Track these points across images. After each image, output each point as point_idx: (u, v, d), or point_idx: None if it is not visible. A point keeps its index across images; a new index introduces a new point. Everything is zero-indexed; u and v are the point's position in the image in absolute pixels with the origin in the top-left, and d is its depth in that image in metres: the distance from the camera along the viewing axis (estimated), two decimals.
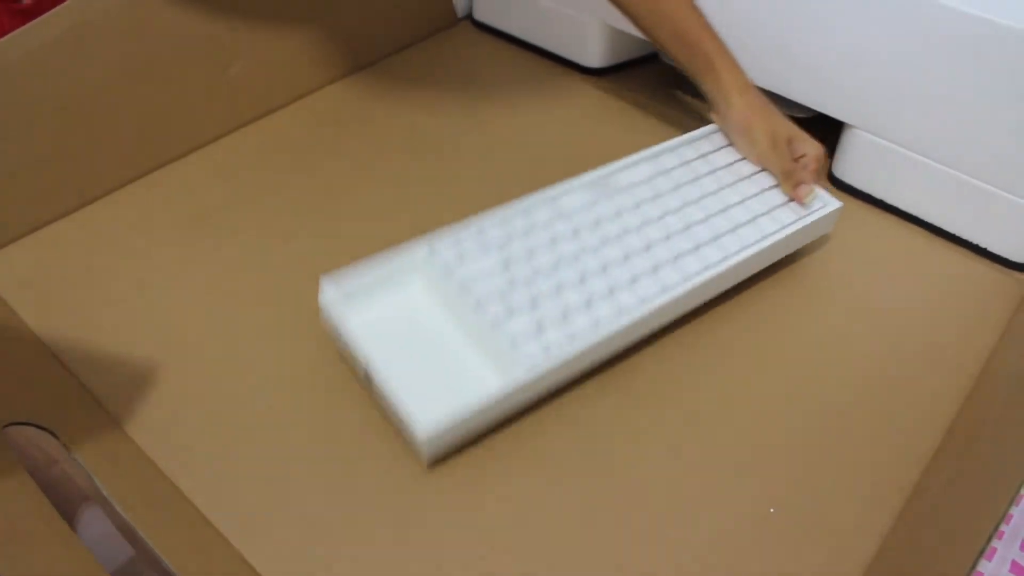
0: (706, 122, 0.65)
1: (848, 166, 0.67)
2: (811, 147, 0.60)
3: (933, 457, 0.49)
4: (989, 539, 0.37)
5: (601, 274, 0.52)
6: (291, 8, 0.73)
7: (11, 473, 0.43)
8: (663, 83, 0.80)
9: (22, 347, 0.54)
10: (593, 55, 0.80)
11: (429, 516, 0.46)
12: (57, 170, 0.62)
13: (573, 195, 0.57)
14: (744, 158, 0.62)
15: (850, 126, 0.65)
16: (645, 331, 0.53)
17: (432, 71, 0.81)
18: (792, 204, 0.59)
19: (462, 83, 0.79)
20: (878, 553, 0.44)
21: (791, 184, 0.60)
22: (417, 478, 0.47)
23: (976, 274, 0.61)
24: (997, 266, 0.62)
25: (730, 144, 0.63)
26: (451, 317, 0.51)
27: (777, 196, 0.60)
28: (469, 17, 0.90)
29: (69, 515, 0.43)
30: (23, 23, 0.58)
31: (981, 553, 0.36)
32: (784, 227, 0.57)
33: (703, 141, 0.64)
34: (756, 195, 0.59)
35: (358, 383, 0.51)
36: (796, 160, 0.60)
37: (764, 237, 0.56)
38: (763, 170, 0.61)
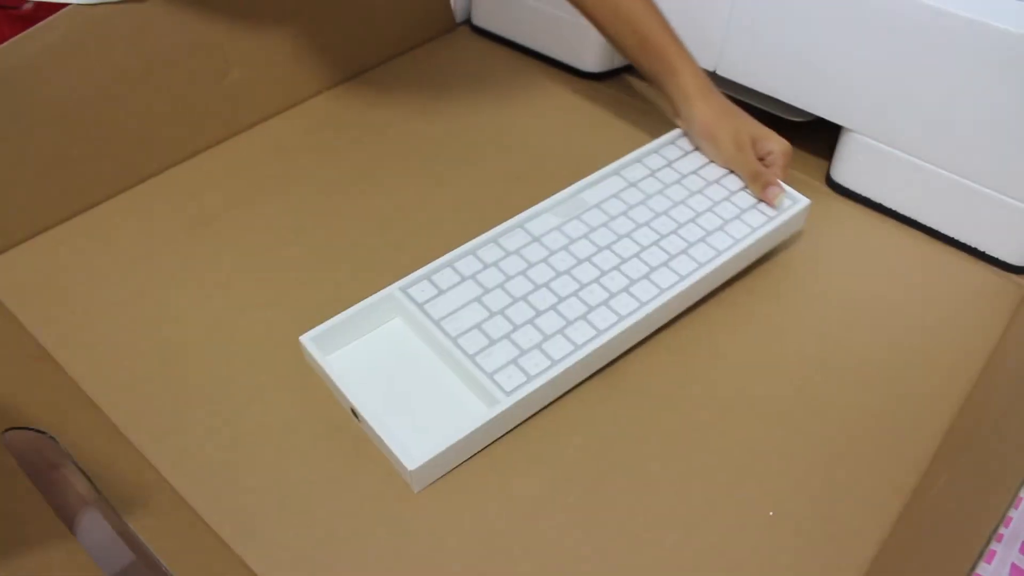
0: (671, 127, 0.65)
1: (846, 170, 0.67)
2: (776, 144, 0.61)
3: (931, 460, 0.49)
4: (988, 541, 0.37)
5: (576, 295, 0.53)
6: (289, 14, 0.73)
7: (11, 477, 0.43)
8: None
9: (22, 352, 0.54)
10: (591, 59, 0.80)
11: (429, 516, 0.46)
12: (57, 176, 0.62)
13: (543, 218, 0.58)
14: (711, 162, 0.63)
15: (848, 130, 0.65)
16: (626, 345, 0.54)
17: (430, 76, 0.81)
18: (761, 205, 0.60)
19: (460, 88, 0.80)
20: (877, 556, 0.44)
21: (759, 186, 0.60)
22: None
23: (974, 277, 0.61)
24: (995, 269, 0.62)
25: (696, 148, 0.64)
26: (432, 351, 0.52)
27: (746, 199, 0.60)
28: (467, 22, 0.90)
29: (69, 520, 0.43)
30: (23, 29, 0.58)
31: (980, 555, 0.36)
32: (755, 230, 0.58)
33: (669, 147, 0.64)
34: (725, 199, 0.60)
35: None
36: (762, 159, 0.61)
37: (736, 242, 0.57)
38: (730, 172, 0.62)
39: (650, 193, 0.60)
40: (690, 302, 0.56)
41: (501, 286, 0.53)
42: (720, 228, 0.58)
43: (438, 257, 0.55)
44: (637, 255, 0.55)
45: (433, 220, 0.60)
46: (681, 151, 0.64)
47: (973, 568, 0.36)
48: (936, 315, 0.58)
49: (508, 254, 0.55)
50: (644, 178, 0.61)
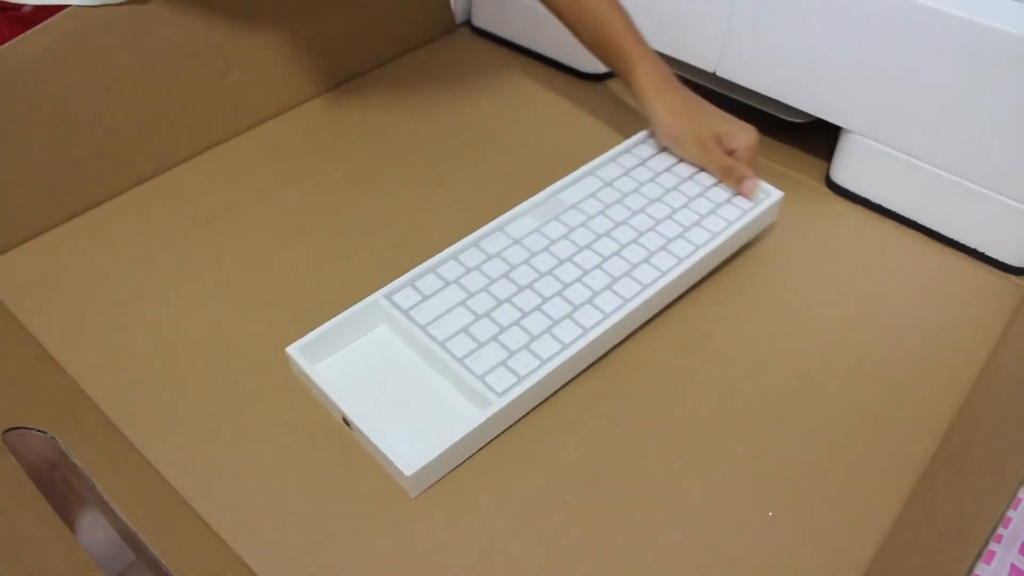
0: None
1: (846, 171, 0.67)
2: (743, 137, 0.61)
3: (931, 461, 0.49)
4: (987, 542, 0.37)
5: (560, 295, 0.53)
6: (289, 15, 0.73)
7: (11, 477, 0.43)
8: None
9: (22, 351, 0.54)
10: (591, 61, 0.79)
11: (428, 520, 0.46)
12: (57, 176, 0.62)
13: (522, 220, 0.59)
14: (681, 160, 0.64)
15: (848, 131, 0.65)
16: (613, 342, 0.54)
17: (430, 77, 0.81)
18: (736, 199, 0.61)
19: (460, 89, 0.80)
20: (876, 556, 0.44)
21: (732, 181, 0.61)
22: None
23: (974, 278, 0.61)
24: (995, 270, 0.62)
25: (665, 148, 0.65)
26: (419, 356, 0.52)
27: (720, 193, 0.61)
28: (468, 23, 0.90)
29: (69, 520, 0.43)
30: (23, 31, 0.58)
31: (979, 556, 0.36)
32: (731, 224, 0.59)
33: (642, 146, 0.65)
34: (700, 195, 0.61)
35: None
36: (732, 153, 0.61)
37: (713, 236, 0.57)
38: (703, 169, 0.63)
39: (626, 192, 0.61)
40: (673, 296, 0.57)
41: (485, 289, 0.54)
42: (697, 223, 0.58)
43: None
44: (617, 253, 0.56)
45: (433, 220, 0.60)
46: (654, 149, 0.65)
47: (972, 568, 0.36)
48: (936, 316, 0.58)
49: (490, 257, 0.56)
50: (619, 177, 0.62)
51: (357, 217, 0.64)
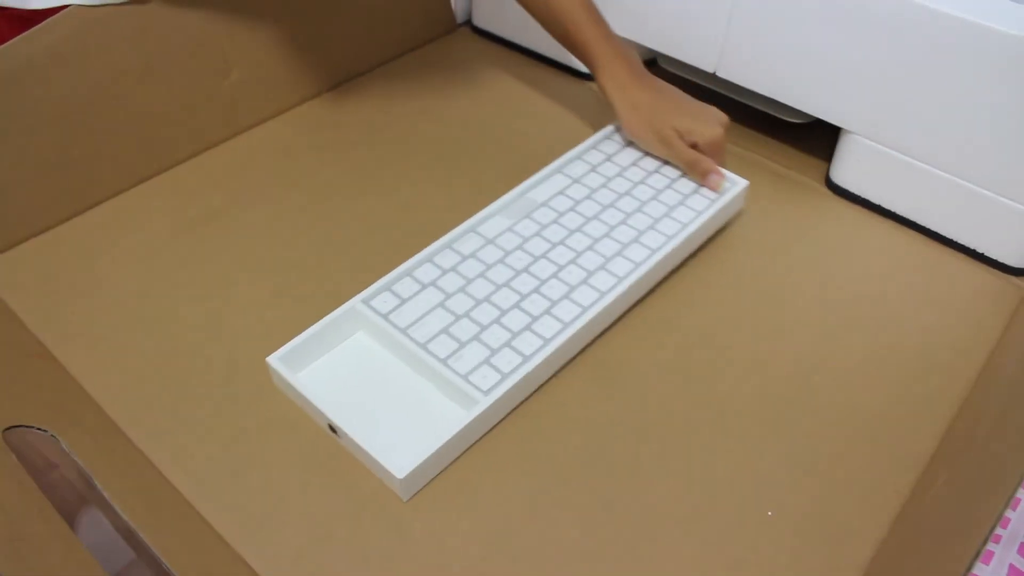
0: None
1: (846, 171, 0.67)
2: (706, 131, 0.62)
3: (930, 461, 0.49)
4: (985, 541, 0.37)
5: (537, 292, 0.54)
6: (290, 15, 0.73)
7: (12, 475, 0.43)
8: None
9: (23, 350, 0.54)
10: None
11: (422, 522, 0.46)
12: (58, 175, 0.62)
13: (494, 220, 0.59)
14: (646, 153, 0.65)
15: (848, 131, 0.65)
16: (593, 334, 0.55)
17: (431, 77, 0.81)
18: (702, 189, 0.62)
19: (461, 88, 0.80)
20: (875, 556, 0.44)
21: (697, 174, 0.62)
22: None
23: (973, 279, 0.62)
24: (994, 271, 0.62)
25: (632, 143, 0.66)
26: (400, 360, 0.52)
27: (687, 185, 0.62)
28: (468, 23, 0.90)
29: (68, 519, 0.43)
30: (23, 30, 0.58)
31: (977, 555, 0.36)
32: (700, 214, 0.60)
33: (606, 142, 0.67)
34: (667, 187, 0.62)
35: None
36: (696, 146, 0.62)
37: (683, 227, 0.59)
38: (668, 162, 0.64)
39: (594, 187, 0.62)
40: (649, 287, 0.58)
41: (462, 290, 0.54)
42: (666, 215, 0.60)
43: None
44: (591, 247, 0.57)
45: (434, 220, 0.60)
46: (619, 145, 0.66)
47: (970, 568, 0.36)
48: (935, 316, 0.58)
49: (464, 258, 0.56)
50: (586, 174, 0.63)
51: (357, 217, 0.64)
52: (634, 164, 0.64)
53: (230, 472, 0.48)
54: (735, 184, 0.63)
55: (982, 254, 0.62)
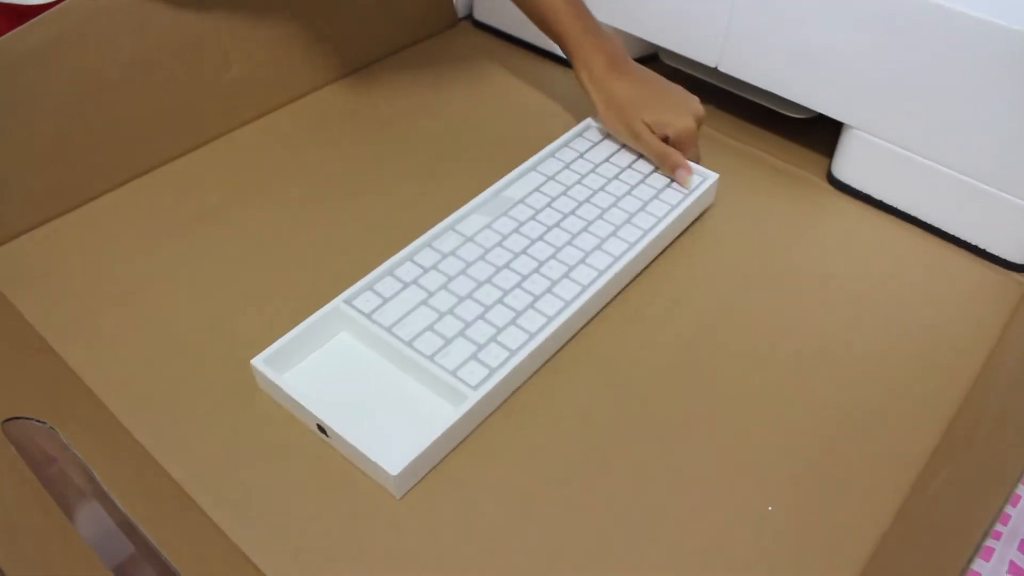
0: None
1: (847, 166, 0.67)
2: (678, 123, 0.62)
3: (930, 457, 0.49)
4: (984, 537, 0.37)
5: (520, 287, 0.55)
6: (291, 9, 0.73)
7: (11, 467, 0.43)
8: None
9: (22, 342, 0.54)
10: None
11: (417, 519, 0.46)
12: (58, 168, 0.62)
13: (472, 218, 0.60)
14: (621, 149, 0.66)
15: (849, 126, 0.65)
16: (578, 327, 0.55)
17: (432, 71, 0.81)
18: (675, 184, 0.63)
19: (462, 83, 0.80)
20: (875, 551, 0.44)
21: (667, 168, 0.62)
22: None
23: (974, 275, 0.61)
24: (996, 267, 0.62)
25: (605, 139, 0.67)
26: (385, 358, 0.52)
27: (660, 179, 0.64)
28: (469, 17, 0.90)
29: (67, 513, 0.43)
30: (19, 24, 0.58)
31: (976, 551, 0.36)
32: (674, 208, 0.61)
33: (579, 140, 0.68)
34: (641, 182, 0.63)
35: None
36: (668, 139, 0.62)
37: (659, 220, 0.60)
38: (641, 157, 0.65)
39: (569, 184, 0.63)
40: (629, 279, 0.59)
41: (445, 287, 0.54)
42: (642, 209, 0.61)
43: None
44: (569, 242, 0.58)
45: (436, 213, 0.60)
46: (590, 142, 0.67)
47: (969, 564, 0.36)
48: (936, 312, 0.58)
49: (444, 256, 0.57)
50: (560, 171, 0.64)
51: (359, 210, 0.64)
52: (607, 160, 0.65)
53: (229, 467, 0.47)
54: (706, 178, 0.63)
55: (984, 250, 0.62)
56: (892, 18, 0.58)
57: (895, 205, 0.66)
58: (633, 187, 0.63)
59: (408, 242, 0.57)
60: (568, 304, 0.54)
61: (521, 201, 0.61)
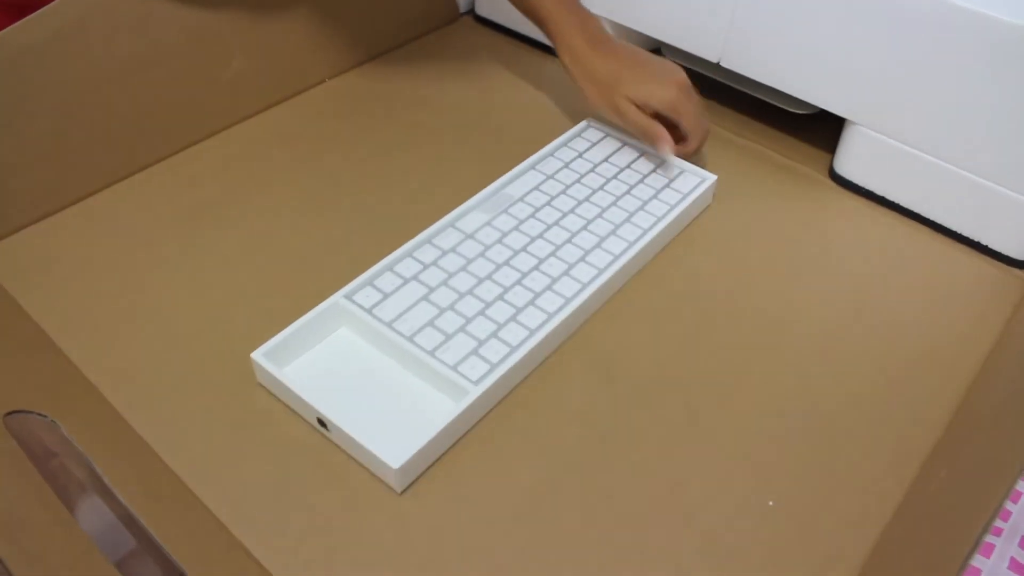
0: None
1: (849, 162, 0.67)
2: (662, 94, 0.62)
3: (932, 452, 0.49)
4: (983, 532, 0.37)
5: (520, 284, 0.55)
6: (292, 4, 0.73)
7: (12, 460, 0.43)
8: None
9: (23, 336, 0.54)
10: None
11: (418, 513, 0.46)
12: (58, 162, 0.62)
13: (472, 215, 0.60)
14: (620, 149, 0.67)
15: (852, 123, 0.65)
16: (578, 323, 0.55)
17: (434, 66, 0.81)
18: (674, 184, 0.63)
19: (464, 78, 0.79)
20: (876, 546, 0.44)
21: (649, 140, 0.63)
22: None
23: (976, 271, 0.61)
24: (998, 263, 0.62)
25: (603, 139, 0.68)
26: (385, 354, 0.52)
27: (658, 180, 0.63)
28: (471, 12, 0.90)
29: (68, 507, 0.43)
30: (20, 18, 0.58)
31: (976, 546, 0.36)
32: (673, 207, 0.61)
33: (577, 140, 0.68)
34: (640, 182, 0.63)
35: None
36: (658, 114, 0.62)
37: (658, 220, 0.60)
38: (640, 157, 0.65)
39: (568, 183, 0.63)
40: (630, 275, 0.59)
41: (445, 283, 0.54)
42: (641, 208, 0.61)
43: None
44: (569, 240, 0.58)
45: (436, 209, 0.60)
46: (589, 142, 0.68)
47: (968, 559, 0.36)
48: (938, 308, 0.58)
49: (445, 253, 0.57)
50: (560, 170, 0.64)
51: (360, 205, 0.64)
52: (606, 160, 0.66)
53: (229, 461, 0.47)
54: (704, 179, 0.64)
55: (985, 246, 0.62)
56: (895, 14, 0.58)
57: (897, 201, 0.65)
58: (632, 187, 0.63)
59: (408, 238, 0.57)
60: (568, 301, 0.54)
61: (521, 199, 0.61)
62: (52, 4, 0.58)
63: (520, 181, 0.63)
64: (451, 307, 0.53)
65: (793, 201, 0.67)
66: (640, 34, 0.76)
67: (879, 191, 0.66)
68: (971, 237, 0.63)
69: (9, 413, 0.46)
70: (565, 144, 0.67)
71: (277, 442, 0.49)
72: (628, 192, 0.62)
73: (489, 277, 0.55)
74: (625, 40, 0.80)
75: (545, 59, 0.82)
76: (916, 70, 0.59)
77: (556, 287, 0.55)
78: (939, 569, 0.37)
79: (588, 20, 0.64)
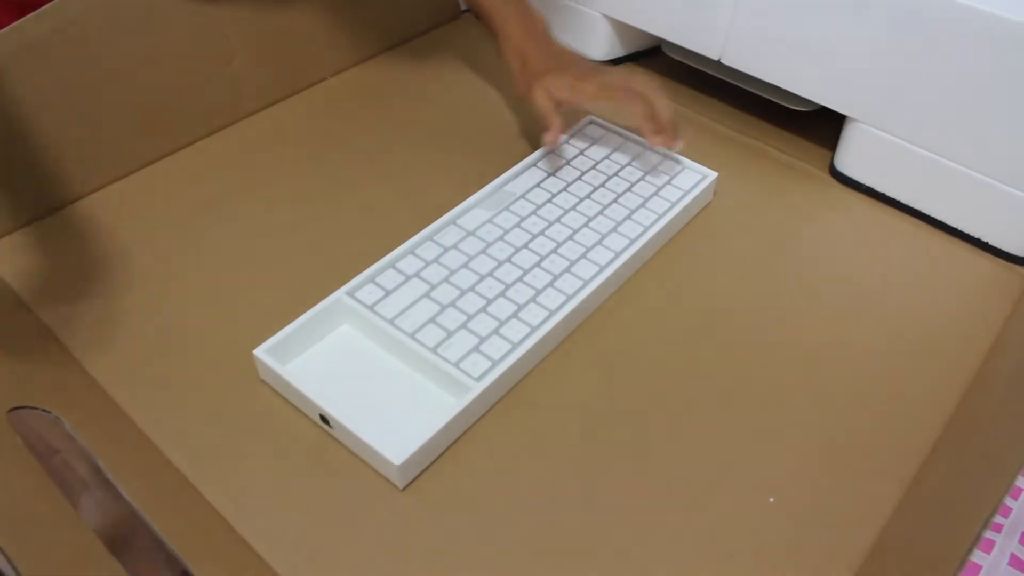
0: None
1: (850, 159, 0.67)
2: (577, 84, 0.61)
3: (932, 449, 0.49)
4: (984, 528, 0.37)
5: (521, 281, 0.55)
6: (293, 2, 0.73)
7: (15, 456, 0.43)
8: (667, 76, 0.80)
9: (27, 332, 0.54)
10: (597, 48, 0.80)
11: (421, 509, 0.46)
12: (60, 159, 0.62)
13: (473, 213, 0.60)
14: (621, 146, 0.67)
15: (852, 119, 0.65)
16: (580, 320, 0.55)
17: (435, 63, 0.81)
18: (675, 181, 0.64)
19: (465, 76, 0.80)
20: (876, 543, 0.45)
21: (543, 128, 0.62)
22: None
23: (976, 267, 0.61)
24: (998, 260, 0.62)
25: (605, 136, 0.68)
26: (386, 351, 0.53)
27: (659, 177, 0.64)
28: (471, 10, 0.90)
29: (71, 501, 0.43)
30: (21, 16, 0.58)
31: (975, 542, 0.36)
32: (674, 204, 0.62)
33: (577, 138, 0.68)
34: (641, 179, 0.64)
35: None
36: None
37: (659, 217, 0.61)
38: (643, 154, 0.66)
39: (569, 180, 0.63)
40: (631, 272, 0.59)
41: (446, 280, 0.55)
42: (642, 205, 0.61)
43: None
44: (571, 237, 0.58)
45: (437, 206, 0.60)
46: (590, 140, 0.68)
47: (968, 554, 0.36)
48: (938, 305, 0.58)
49: (446, 250, 0.57)
50: (561, 167, 0.65)
51: (362, 202, 0.64)
52: (607, 158, 0.66)
53: (232, 457, 0.48)
54: (706, 176, 0.64)
55: (986, 243, 0.62)
56: (895, 10, 0.58)
57: (897, 198, 0.66)
58: (633, 184, 0.63)
59: (410, 235, 0.58)
60: (570, 298, 0.54)
61: (522, 196, 0.62)
62: (53, 2, 0.58)
63: (522, 178, 0.64)
64: (453, 304, 0.53)
65: (793, 198, 0.67)
66: (641, 31, 0.76)
67: (879, 188, 0.66)
68: (972, 234, 0.63)
69: (12, 409, 0.46)
70: (566, 142, 0.67)
71: (279, 438, 0.49)
72: (629, 189, 0.63)
73: (491, 274, 0.55)
74: (625, 39, 0.80)
75: None
76: (916, 67, 0.59)
77: (558, 284, 0.55)
78: (940, 565, 0.37)
79: (528, 15, 0.65)
